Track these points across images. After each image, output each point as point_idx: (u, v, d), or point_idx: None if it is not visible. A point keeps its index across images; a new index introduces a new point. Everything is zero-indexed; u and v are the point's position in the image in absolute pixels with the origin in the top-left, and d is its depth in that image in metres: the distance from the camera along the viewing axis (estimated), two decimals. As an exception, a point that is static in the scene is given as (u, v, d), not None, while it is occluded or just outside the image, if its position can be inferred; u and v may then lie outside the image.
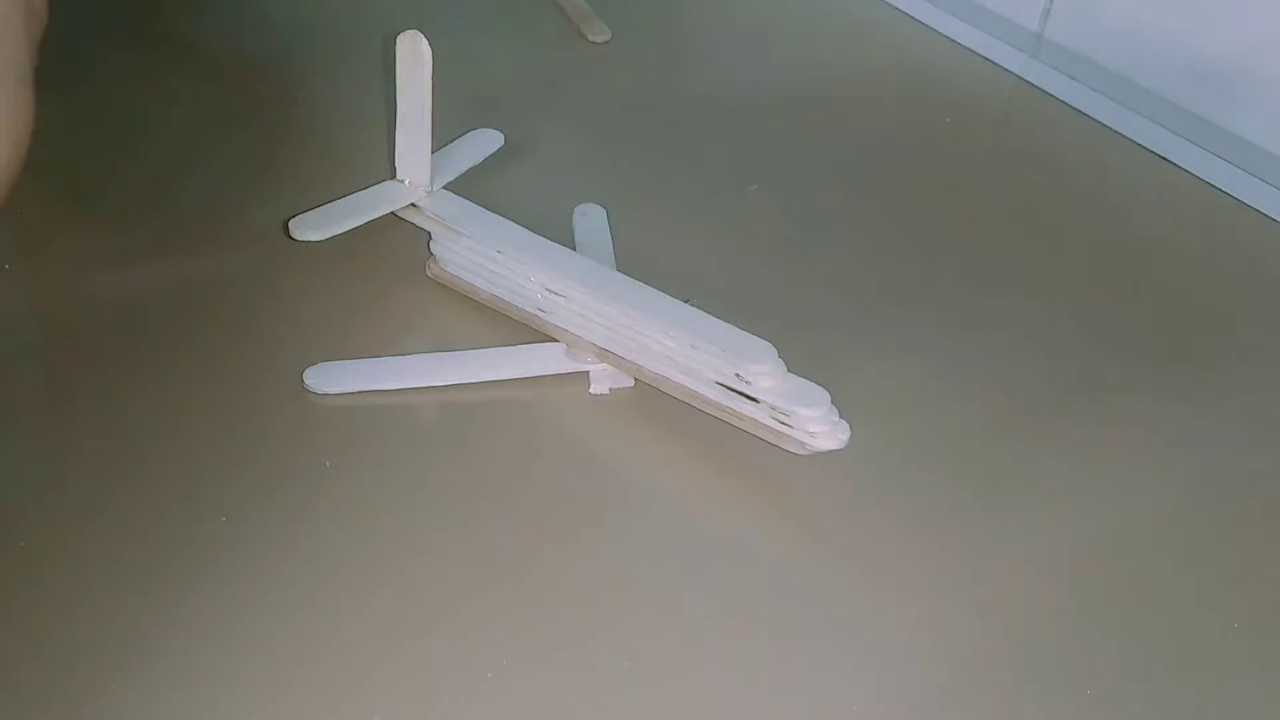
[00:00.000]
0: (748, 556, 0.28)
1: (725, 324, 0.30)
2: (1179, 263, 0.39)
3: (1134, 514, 0.30)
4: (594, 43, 0.49)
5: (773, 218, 0.40)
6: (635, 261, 0.35)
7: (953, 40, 0.50)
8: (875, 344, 0.35)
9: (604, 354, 0.31)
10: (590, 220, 0.38)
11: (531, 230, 0.33)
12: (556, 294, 0.32)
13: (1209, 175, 0.43)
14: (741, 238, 0.37)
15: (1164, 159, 0.44)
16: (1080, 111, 0.46)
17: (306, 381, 0.31)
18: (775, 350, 0.28)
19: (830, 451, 0.28)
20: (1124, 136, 0.45)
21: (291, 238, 0.33)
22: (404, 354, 0.32)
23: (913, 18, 0.52)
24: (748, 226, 0.39)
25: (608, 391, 0.31)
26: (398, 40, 0.32)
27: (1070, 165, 0.44)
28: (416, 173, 0.35)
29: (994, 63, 0.49)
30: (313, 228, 0.34)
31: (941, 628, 0.27)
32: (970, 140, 0.45)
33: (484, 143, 0.40)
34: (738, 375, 0.28)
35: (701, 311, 0.30)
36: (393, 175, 0.35)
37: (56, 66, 0.39)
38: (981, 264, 0.39)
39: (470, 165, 0.38)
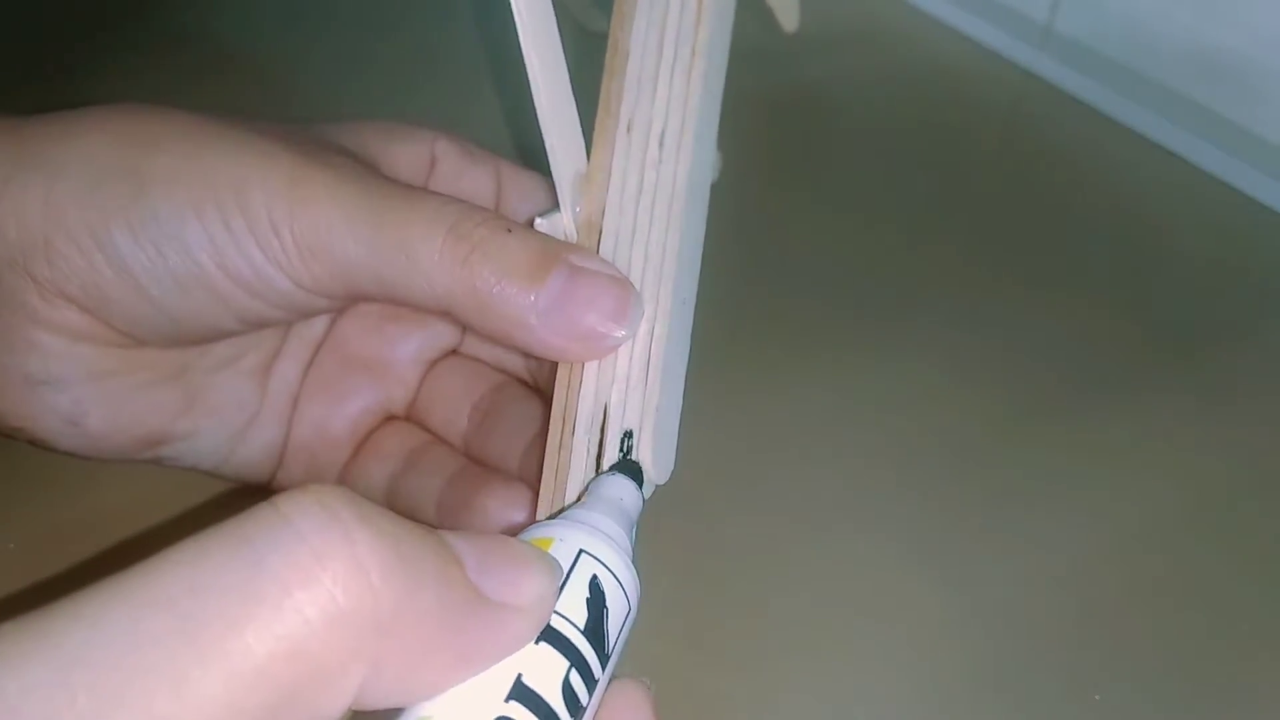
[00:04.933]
0: (746, 558, 0.27)
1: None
2: (1189, 260, 0.39)
3: (1144, 515, 0.29)
4: (591, 31, 0.48)
5: (771, 214, 0.39)
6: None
7: (958, 32, 0.50)
8: (877, 341, 0.34)
9: None
10: None
11: None
12: None
13: (1219, 171, 0.42)
14: (740, 232, 0.36)
15: (1174, 154, 0.43)
16: (1089, 105, 0.45)
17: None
18: None
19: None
20: (1133, 131, 0.44)
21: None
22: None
23: (917, 8, 0.51)
24: (747, 222, 0.38)
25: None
26: None
27: (1078, 160, 0.43)
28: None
29: (1001, 55, 0.48)
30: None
31: (947, 630, 0.26)
32: (976, 135, 0.44)
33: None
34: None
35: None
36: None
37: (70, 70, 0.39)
38: (987, 261, 0.38)
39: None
